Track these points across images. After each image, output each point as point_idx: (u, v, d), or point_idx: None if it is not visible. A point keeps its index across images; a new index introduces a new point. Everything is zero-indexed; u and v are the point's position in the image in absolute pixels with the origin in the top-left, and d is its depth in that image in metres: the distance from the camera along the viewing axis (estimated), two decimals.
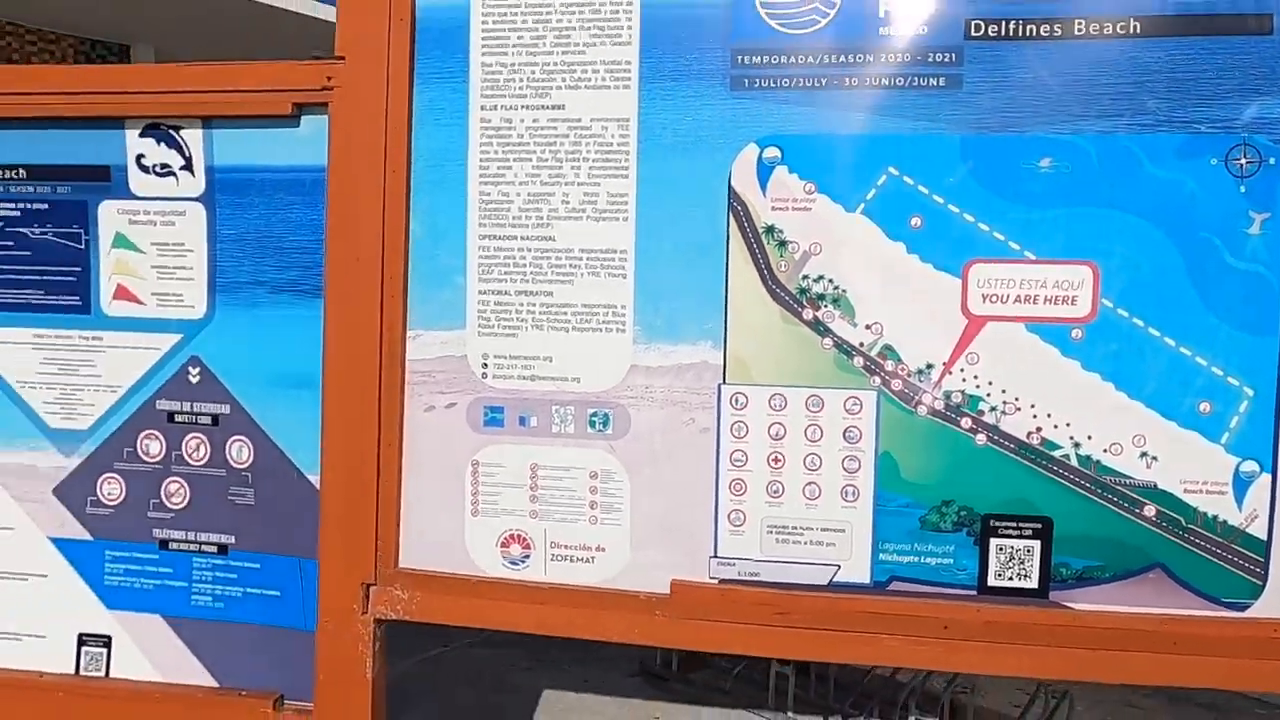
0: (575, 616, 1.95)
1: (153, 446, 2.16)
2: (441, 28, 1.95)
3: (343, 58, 1.97)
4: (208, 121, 2.08)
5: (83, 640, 2.20)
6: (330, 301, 2.02)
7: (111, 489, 2.18)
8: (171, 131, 2.09)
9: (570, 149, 1.91)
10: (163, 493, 2.16)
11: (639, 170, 1.89)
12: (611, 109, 1.90)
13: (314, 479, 2.08)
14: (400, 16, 1.94)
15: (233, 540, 2.14)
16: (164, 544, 2.17)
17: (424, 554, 2.01)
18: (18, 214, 2.17)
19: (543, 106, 1.92)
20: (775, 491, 1.89)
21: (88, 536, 2.19)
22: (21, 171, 2.16)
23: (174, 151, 2.10)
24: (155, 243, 2.13)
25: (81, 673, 2.19)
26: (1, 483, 2.21)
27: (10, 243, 2.18)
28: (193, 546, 2.16)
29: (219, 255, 2.11)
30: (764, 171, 1.86)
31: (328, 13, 9.25)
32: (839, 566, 1.88)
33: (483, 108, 1.94)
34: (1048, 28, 1.77)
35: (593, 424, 1.94)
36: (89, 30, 9.92)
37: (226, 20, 9.20)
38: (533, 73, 1.92)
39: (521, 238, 1.94)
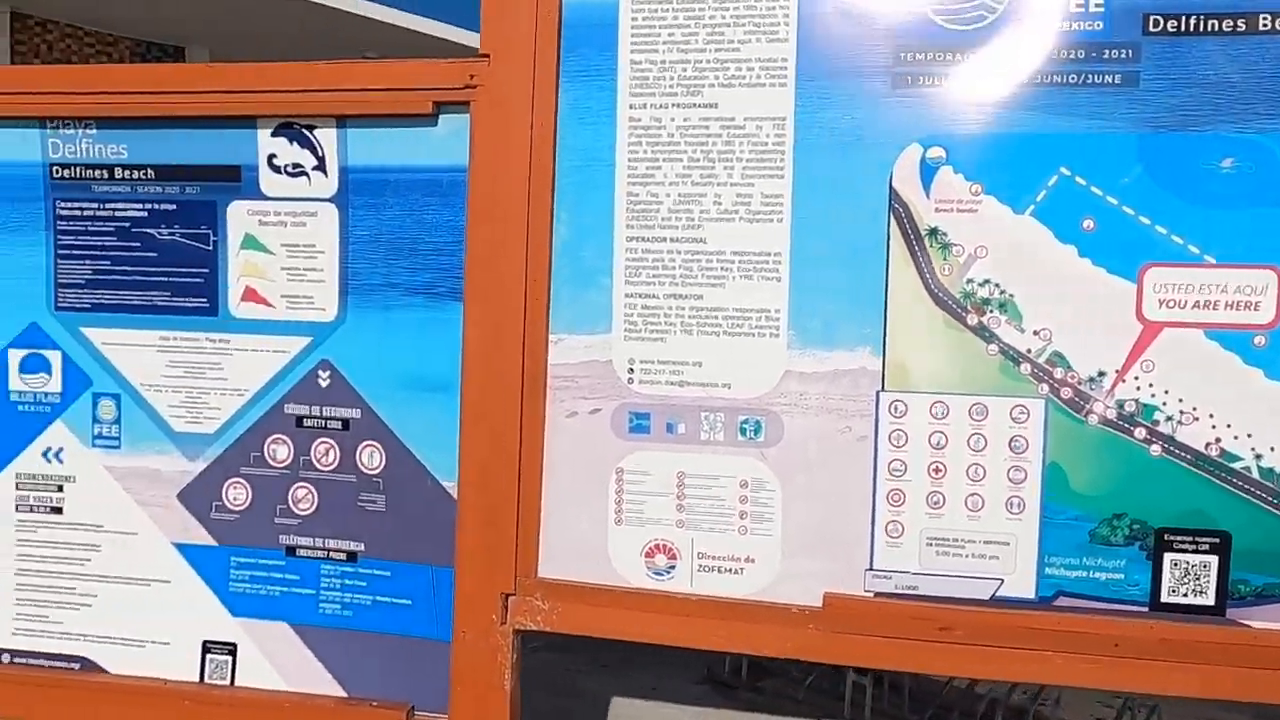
0: (723, 629, 1.89)
1: (280, 451, 2.12)
2: (589, 24, 1.90)
3: (487, 55, 1.93)
4: (342, 121, 2.04)
5: (207, 648, 2.16)
6: (470, 304, 1.97)
7: (237, 494, 2.15)
8: (305, 131, 2.05)
9: (723, 149, 1.86)
10: (290, 498, 2.12)
11: (795, 171, 1.84)
12: (766, 107, 1.84)
13: (449, 485, 2.03)
14: (547, 13, 1.90)
15: (362, 547, 2.10)
16: (291, 550, 2.13)
17: (564, 563, 1.96)
18: (145, 214, 2.14)
19: (694, 105, 1.87)
20: (936, 503, 1.83)
21: (212, 542, 2.16)
22: (150, 171, 2.13)
23: (307, 151, 2.06)
24: (285, 244, 2.09)
25: (206, 680, 2.16)
26: (125, 487, 2.18)
27: (137, 243, 2.15)
28: (321, 553, 2.12)
29: (351, 257, 2.07)
30: (927, 172, 1.80)
31: (383, 14, 9.30)
32: (1002, 581, 1.82)
33: (631, 106, 1.90)
34: (1231, 22, 1.71)
35: (743, 431, 1.88)
36: (145, 33, 10.03)
37: (281, 22, 9.25)
38: (684, 70, 1.87)
39: (671, 240, 1.89)
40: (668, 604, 1.91)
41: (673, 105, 1.88)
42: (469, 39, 10.91)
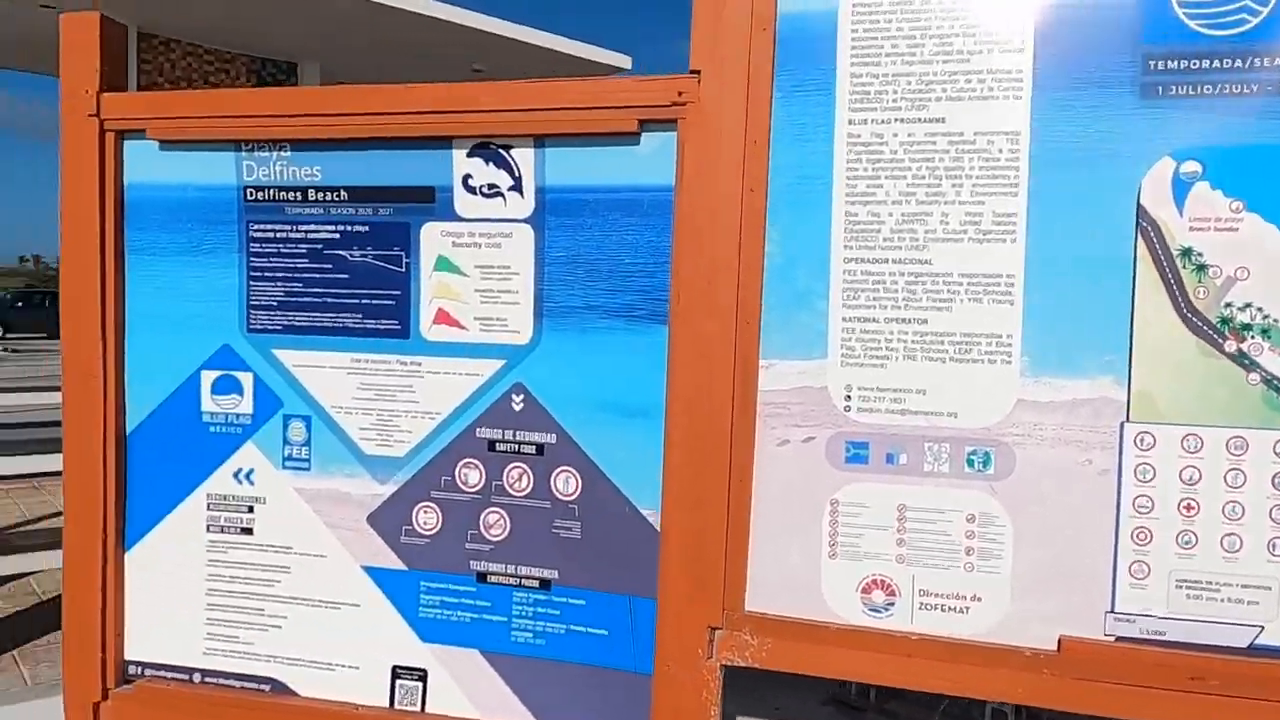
0: (948, 671, 1.79)
1: (472, 476, 2.09)
2: (806, 37, 1.83)
3: (697, 72, 1.86)
4: (540, 140, 2.00)
5: (397, 673, 2.14)
6: (676, 327, 1.91)
7: (427, 518, 2.12)
8: (502, 151, 2.02)
9: (950, 165, 1.77)
10: (481, 524, 2.09)
11: (1030, 188, 1.74)
12: (999, 121, 1.74)
13: (648, 514, 1.98)
14: (762, 26, 1.83)
15: (556, 575, 2.05)
16: (482, 577, 2.09)
17: (774, 597, 1.89)
18: (337, 236, 2.13)
19: (919, 120, 1.78)
20: (1187, 543, 1.70)
21: (402, 566, 2.13)
22: (343, 193, 2.12)
23: (503, 172, 2.03)
24: (479, 265, 2.06)
25: (396, 706, 2.14)
26: (315, 509, 2.18)
27: (329, 265, 2.14)
28: (513, 580, 2.08)
29: (547, 279, 2.03)
30: (1180, 188, 1.68)
31: (493, 25, 9.36)
32: (1262, 628, 1.68)
33: (851, 122, 1.81)
34: None
35: (971, 463, 1.78)
36: (261, 50, 10.31)
37: (389, 35, 9.38)
38: (908, 83, 1.78)
39: (893, 261, 1.80)
40: (887, 643, 1.82)
41: (896, 120, 1.79)
42: (577, 50, 10.95)
